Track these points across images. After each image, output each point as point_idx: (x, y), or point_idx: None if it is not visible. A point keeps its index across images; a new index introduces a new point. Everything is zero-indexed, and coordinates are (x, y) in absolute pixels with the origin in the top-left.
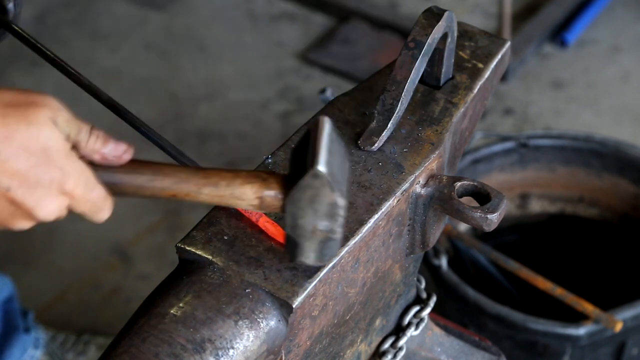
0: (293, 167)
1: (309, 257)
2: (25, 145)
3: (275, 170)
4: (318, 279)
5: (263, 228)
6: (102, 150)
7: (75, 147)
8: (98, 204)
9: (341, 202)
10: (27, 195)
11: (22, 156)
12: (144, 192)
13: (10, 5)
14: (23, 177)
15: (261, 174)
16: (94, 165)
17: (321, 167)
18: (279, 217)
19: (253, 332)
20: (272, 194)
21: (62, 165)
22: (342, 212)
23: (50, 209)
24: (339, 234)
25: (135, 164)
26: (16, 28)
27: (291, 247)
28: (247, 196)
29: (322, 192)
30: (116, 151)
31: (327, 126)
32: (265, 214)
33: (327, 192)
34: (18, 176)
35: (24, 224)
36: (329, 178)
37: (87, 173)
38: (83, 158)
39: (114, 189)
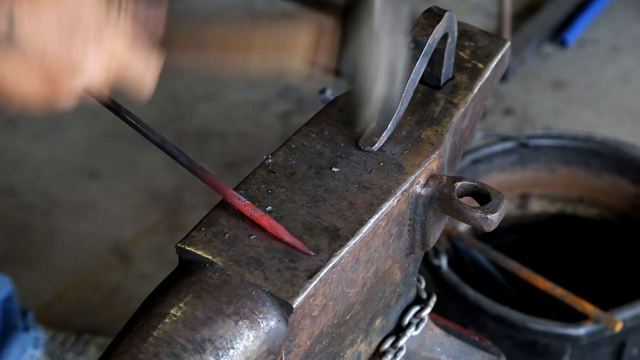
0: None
1: (370, 118)
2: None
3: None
4: (318, 279)
5: (263, 227)
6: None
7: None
8: (140, 65)
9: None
10: (66, 49)
11: (57, 14)
12: (191, 45)
13: None
14: (61, 33)
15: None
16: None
17: None
18: (279, 217)
19: (253, 332)
20: (327, 31)
21: (98, 21)
22: (399, 51)
23: (92, 62)
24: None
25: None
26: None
27: (351, 113)
28: (301, 40)
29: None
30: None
31: None
32: (267, 213)
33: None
34: (54, 32)
35: (69, 86)
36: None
37: (124, 29)
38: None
39: (160, 43)
